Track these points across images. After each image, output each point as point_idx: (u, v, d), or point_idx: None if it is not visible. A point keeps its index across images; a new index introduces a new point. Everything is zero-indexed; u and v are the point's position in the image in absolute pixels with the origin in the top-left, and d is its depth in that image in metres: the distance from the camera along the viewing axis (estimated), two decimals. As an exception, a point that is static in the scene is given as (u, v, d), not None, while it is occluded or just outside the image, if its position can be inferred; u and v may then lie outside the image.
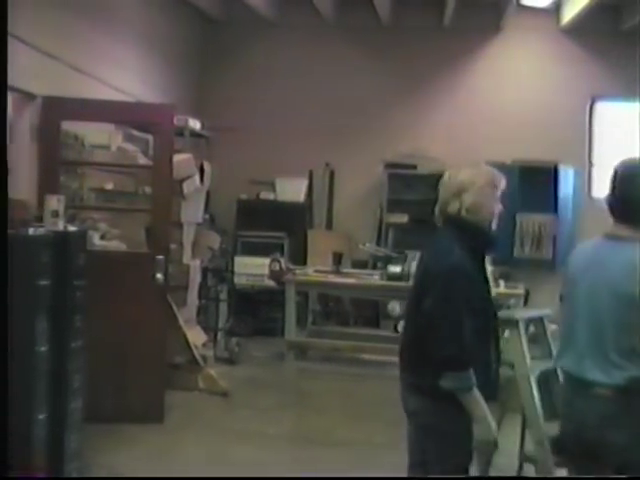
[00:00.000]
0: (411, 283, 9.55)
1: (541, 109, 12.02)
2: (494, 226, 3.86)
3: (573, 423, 3.62)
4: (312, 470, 5.92)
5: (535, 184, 11.29)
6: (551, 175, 11.40)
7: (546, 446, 5.20)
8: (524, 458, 5.63)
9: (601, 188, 12.14)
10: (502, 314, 5.42)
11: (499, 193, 3.86)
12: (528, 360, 5.29)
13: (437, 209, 3.92)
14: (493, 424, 3.66)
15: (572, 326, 3.65)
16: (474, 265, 3.76)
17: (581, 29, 11.82)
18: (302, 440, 6.73)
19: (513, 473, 5.66)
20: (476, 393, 3.59)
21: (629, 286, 3.39)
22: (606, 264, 3.54)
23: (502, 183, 3.89)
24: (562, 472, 5.69)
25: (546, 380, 5.59)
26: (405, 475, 4.18)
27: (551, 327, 5.63)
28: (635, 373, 3.38)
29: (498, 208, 3.86)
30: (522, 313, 5.57)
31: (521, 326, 5.20)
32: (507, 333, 5.25)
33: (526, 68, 12.23)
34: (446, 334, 3.56)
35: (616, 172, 3.69)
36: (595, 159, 12.28)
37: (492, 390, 3.82)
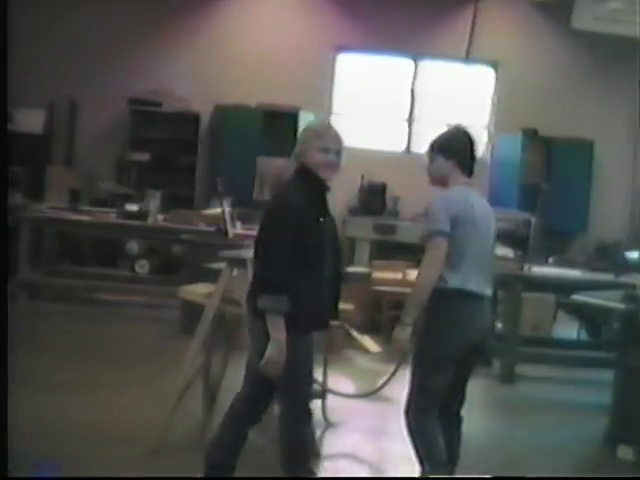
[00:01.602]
0: (150, 222, 9.51)
1: (286, 56, 12.17)
2: (325, 174, 4.19)
3: (477, 332, 4.42)
4: (27, 411, 5.70)
5: (277, 129, 11.48)
6: (293, 121, 11.62)
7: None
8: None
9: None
10: (230, 253, 5.51)
11: (324, 145, 4.17)
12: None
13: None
14: (284, 352, 3.99)
15: (475, 255, 4.43)
16: (312, 205, 4.13)
17: (327, -20, 12.09)
18: (23, 381, 6.49)
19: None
20: (280, 319, 3.97)
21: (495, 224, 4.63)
22: (485, 208, 4.56)
23: (328, 136, 4.23)
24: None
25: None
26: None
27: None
28: None
29: (322, 157, 4.16)
30: (250, 252, 5.66)
31: (249, 265, 5.28)
32: (235, 272, 5.32)
33: (272, 14, 12.31)
34: (266, 259, 4.03)
35: (463, 136, 4.58)
36: (336, 108, 12.65)
37: (322, 321, 4.26)
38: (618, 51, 12.38)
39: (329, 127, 4.32)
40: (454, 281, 4.36)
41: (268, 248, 4.03)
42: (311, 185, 4.17)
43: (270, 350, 3.97)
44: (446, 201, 4.45)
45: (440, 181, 4.59)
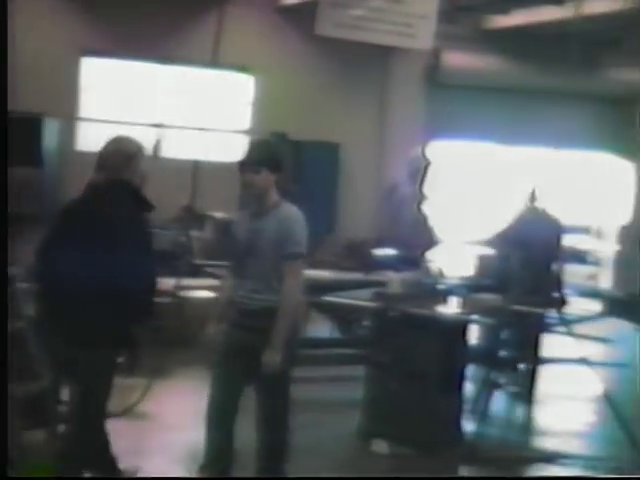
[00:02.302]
0: None
1: (30, 59, 11.58)
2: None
3: None
4: None
5: (20, 136, 10.91)
6: (37, 127, 11.15)
7: None
8: None
9: (88, 141, 12.17)
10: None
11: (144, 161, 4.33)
12: None
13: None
14: None
15: None
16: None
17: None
18: None
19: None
20: None
21: None
22: None
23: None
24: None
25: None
26: None
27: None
28: None
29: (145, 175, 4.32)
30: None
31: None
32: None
33: (15, 15, 11.64)
34: (150, 286, 4.06)
35: (283, 149, 4.89)
36: (82, 113, 12.26)
37: None
38: (363, 57, 12.82)
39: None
40: None
41: (134, 272, 3.89)
42: (145, 203, 4.14)
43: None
44: (304, 221, 4.50)
45: (259, 194, 4.53)
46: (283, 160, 4.61)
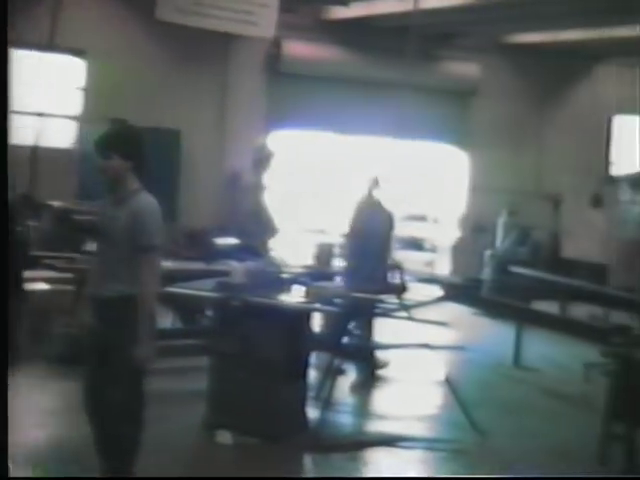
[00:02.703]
0: None
1: None
2: None
3: None
4: None
5: None
6: None
7: None
8: None
9: None
10: None
11: None
12: None
13: None
14: None
15: None
16: None
17: None
18: None
19: None
20: None
21: None
22: None
23: None
24: None
25: None
26: None
27: None
28: None
29: None
30: None
31: None
32: None
33: None
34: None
35: (140, 136, 4.65)
36: None
37: None
38: (204, 44, 12.68)
39: None
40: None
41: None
42: None
43: None
44: (159, 212, 4.43)
45: (113, 181, 4.46)
46: (138, 147, 4.50)
